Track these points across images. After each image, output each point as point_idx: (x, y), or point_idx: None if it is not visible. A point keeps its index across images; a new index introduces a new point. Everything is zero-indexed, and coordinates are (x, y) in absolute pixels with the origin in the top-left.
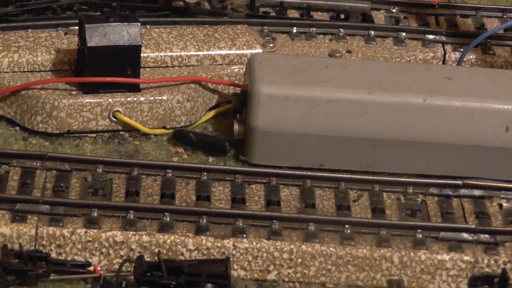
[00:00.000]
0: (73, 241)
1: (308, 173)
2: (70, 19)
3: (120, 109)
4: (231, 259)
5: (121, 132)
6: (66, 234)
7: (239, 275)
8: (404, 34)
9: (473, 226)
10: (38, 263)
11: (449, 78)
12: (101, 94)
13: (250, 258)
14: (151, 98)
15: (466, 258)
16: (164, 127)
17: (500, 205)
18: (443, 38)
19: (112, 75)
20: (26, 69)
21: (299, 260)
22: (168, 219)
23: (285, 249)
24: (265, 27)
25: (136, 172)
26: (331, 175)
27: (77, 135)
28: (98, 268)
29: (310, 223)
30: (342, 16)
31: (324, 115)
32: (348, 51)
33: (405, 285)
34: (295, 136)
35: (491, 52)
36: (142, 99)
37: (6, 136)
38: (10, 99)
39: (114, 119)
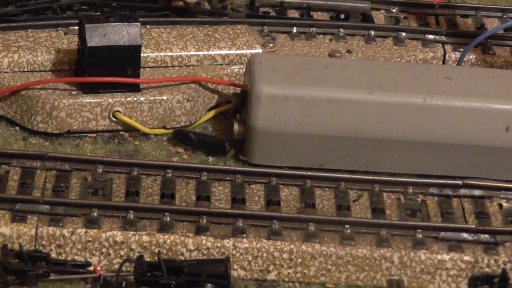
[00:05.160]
0: (73, 241)
1: (308, 173)
2: (70, 19)
3: (120, 109)
4: (231, 259)
5: (121, 132)
6: (66, 234)
7: (239, 275)
8: (404, 34)
9: (473, 226)
10: (38, 263)
11: (449, 78)
12: (101, 94)
13: (250, 258)
14: (151, 98)
15: (466, 258)
16: (164, 127)
17: (500, 205)
18: (443, 38)
19: (112, 75)
20: (26, 69)
21: (299, 260)
22: (168, 219)
23: (285, 249)
24: (265, 27)
25: (136, 172)
26: (331, 175)
27: (77, 135)
28: (98, 268)
29: (310, 223)
30: (342, 16)
31: (324, 115)
32: (348, 51)
33: (405, 285)
34: (295, 136)
35: (491, 52)
36: (142, 99)
37: (6, 136)
38: (10, 99)
39: (114, 119)
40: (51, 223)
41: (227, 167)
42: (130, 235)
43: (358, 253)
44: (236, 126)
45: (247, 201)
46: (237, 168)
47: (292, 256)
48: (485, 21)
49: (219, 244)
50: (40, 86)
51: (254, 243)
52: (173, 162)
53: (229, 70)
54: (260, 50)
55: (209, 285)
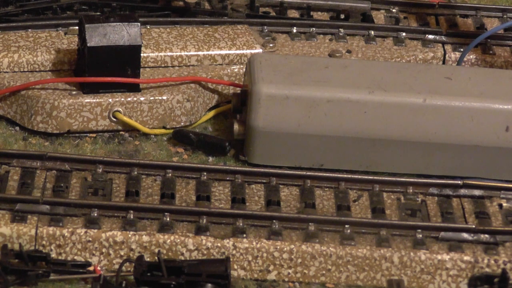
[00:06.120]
0: (73, 241)
1: (308, 173)
2: (70, 19)
3: (120, 109)
4: (231, 259)
5: (121, 132)
6: (66, 234)
7: (239, 275)
8: (404, 34)
9: (473, 226)
10: (38, 263)
11: (449, 78)
12: (101, 94)
13: (250, 258)
14: (151, 98)
15: (466, 258)
16: (164, 127)
17: (500, 205)
18: (443, 38)
19: (112, 75)
20: (26, 69)
21: (299, 260)
22: (168, 219)
23: (285, 249)
24: (265, 27)
25: (136, 172)
26: (331, 175)
27: (77, 135)
28: (98, 268)
29: (310, 223)
30: (342, 16)
31: (324, 115)
32: (348, 51)
33: (405, 285)
34: (295, 136)
35: (491, 52)
36: (142, 99)
37: (6, 136)
38: (10, 99)
39: (114, 119)
40: (51, 223)
41: (227, 167)
42: (130, 235)
43: (358, 253)
44: (236, 126)
45: (247, 201)
46: (237, 168)
47: (292, 256)
48: (485, 21)
49: (219, 244)
50: (40, 86)
51: (254, 243)
52: (173, 162)
53: (229, 70)
54: (260, 50)
55: (209, 285)
